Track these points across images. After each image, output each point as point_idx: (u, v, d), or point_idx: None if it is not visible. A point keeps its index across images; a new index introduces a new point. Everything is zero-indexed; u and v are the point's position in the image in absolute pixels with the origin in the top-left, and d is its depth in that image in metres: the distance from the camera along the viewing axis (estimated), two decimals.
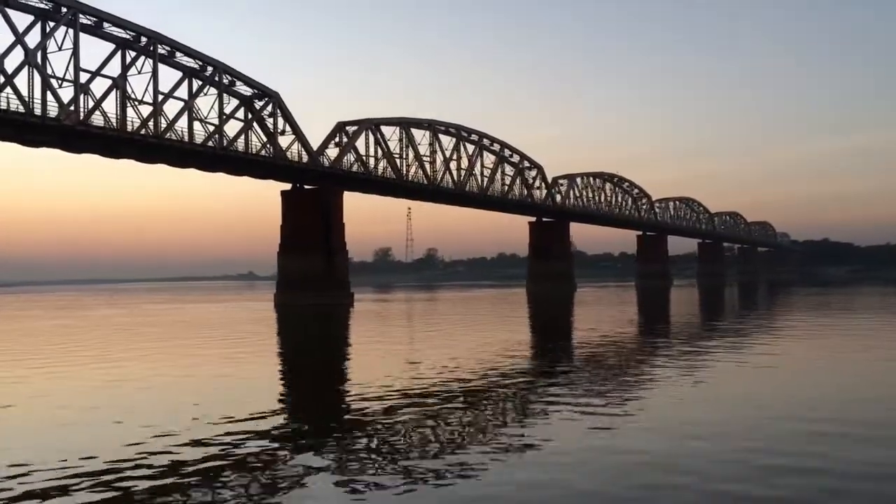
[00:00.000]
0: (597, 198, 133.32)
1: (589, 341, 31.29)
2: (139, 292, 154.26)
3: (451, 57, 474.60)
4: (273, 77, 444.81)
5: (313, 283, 71.84)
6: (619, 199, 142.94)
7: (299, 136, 72.50)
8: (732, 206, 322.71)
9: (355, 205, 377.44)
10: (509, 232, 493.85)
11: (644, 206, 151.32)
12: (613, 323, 42.92)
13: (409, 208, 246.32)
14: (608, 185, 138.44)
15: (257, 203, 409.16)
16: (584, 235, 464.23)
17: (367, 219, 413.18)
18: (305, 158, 73.06)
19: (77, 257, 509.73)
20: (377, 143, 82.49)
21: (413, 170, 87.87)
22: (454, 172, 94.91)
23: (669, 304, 70.83)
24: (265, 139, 70.67)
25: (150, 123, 60.44)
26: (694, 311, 57.06)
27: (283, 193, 76.08)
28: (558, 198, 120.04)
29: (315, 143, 75.58)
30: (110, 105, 58.60)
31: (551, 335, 37.86)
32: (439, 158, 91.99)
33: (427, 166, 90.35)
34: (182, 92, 63.80)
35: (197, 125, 65.01)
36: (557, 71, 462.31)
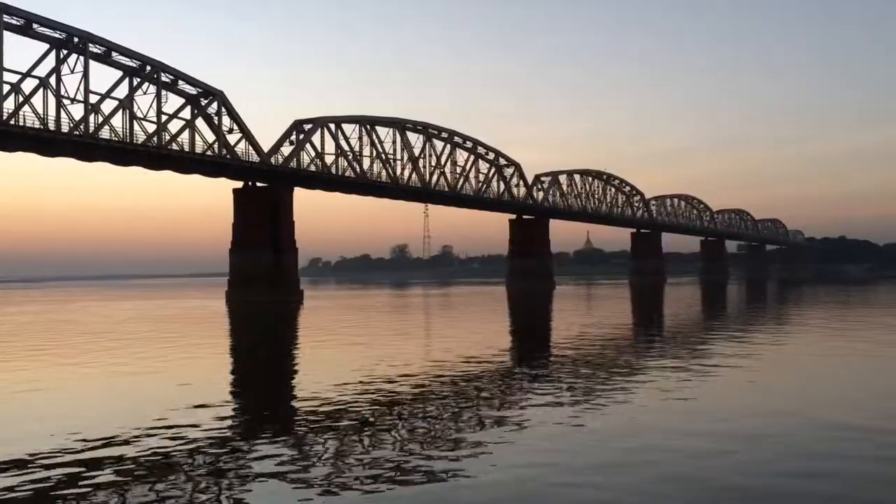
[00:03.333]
0: (584, 195, 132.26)
1: (525, 340, 31.12)
2: (130, 288, 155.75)
3: (453, 59, 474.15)
4: (234, 75, 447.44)
5: (262, 280, 72.31)
6: (610, 196, 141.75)
7: (246, 134, 72.84)
8: (747, 203, 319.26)
9: (370, 204, 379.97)
10: None
11: (637, 204, 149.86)
12: (561, 323, 42.23)
13: (427, 206, 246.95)
14: (598, 183, 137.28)
15: None
16: (601, 233, 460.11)
17: (386, 217, 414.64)
18: (254, 156, 73.41)
19: (106, 255, 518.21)
20: (335, 140, 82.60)
21: (377, 167, 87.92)
22: (423, 170, 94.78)
23: (636, 302, 69.94)
24: (213, 137, 71.12)
25: (90, 121, 61.29)
26: (659, 309, 56.23)
27: (235, 191, 76.50)
28: (540, 195, 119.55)
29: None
30: (49, 106, 59.59)
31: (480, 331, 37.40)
32: (406, 155, 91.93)
33: (396, 164, 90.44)
34: (122, 91, 64.46)
35: (146, 125, 65.88)
36: (557, 72, 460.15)
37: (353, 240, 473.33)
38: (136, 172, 70.49)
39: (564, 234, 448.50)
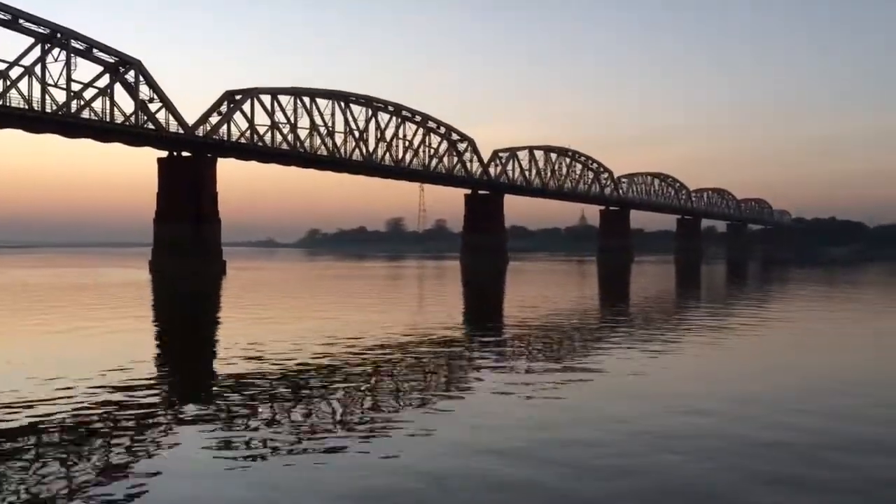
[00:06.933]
0: (547, 171, 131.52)
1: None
2: (54, 255, 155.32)
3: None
4: (169, 47, 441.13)
5: (184, 250, 72.61)
6: (576, 174, 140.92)
7: (167, 103, 72.65)
8: (735, 184, 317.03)
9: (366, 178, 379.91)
10: (520, 206, 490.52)
11: (606, 181, 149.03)
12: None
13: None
14: (562, 160, 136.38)
15: (281, 175, 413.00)
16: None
17: (385, 191, 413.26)
18: (175, 126, 73.35)
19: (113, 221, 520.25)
20: (269, 111, 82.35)
21: (317, 140, 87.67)
22: (368, 143, 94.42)
23: (576, 278, 69.94)
24: (134, 107, 71.05)
25: None
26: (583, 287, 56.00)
27: (159, 161, 76.44)
28: (498, 171, 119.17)
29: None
30: None
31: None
32: (347, 128, 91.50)
33: (337, 136, 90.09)
34: (31, 59, 64.30)
35: (58, 93, 65.90)
36: (529, 51, 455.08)
37: (350, 213, 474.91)
38: (55, 139, 70.39)
39: (559, 211, 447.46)
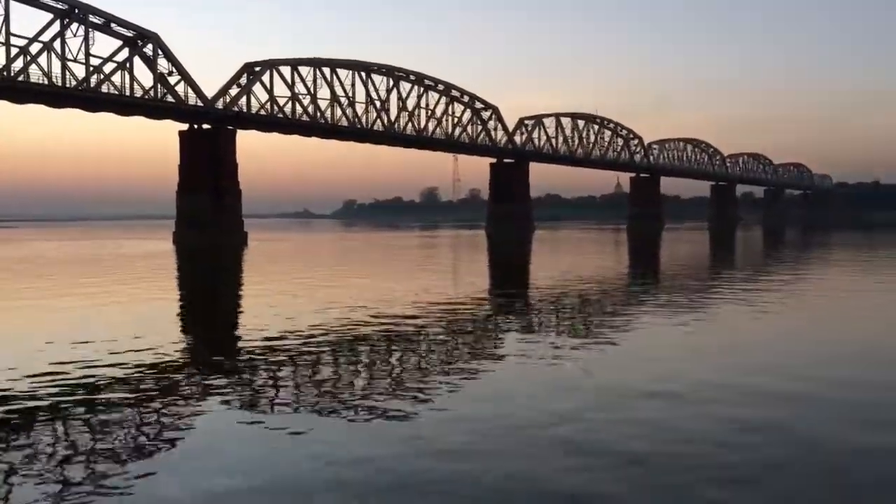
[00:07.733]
0: (574, 139, 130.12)
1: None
2: (84, 229, 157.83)
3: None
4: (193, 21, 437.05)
5: (205, 222, 73.61)
6: (605, 140, 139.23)
7: (185, 76, 73.31)
8: (769, 149, 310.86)
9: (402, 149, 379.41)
10: (554, 175, 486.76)
11: (636, 148, 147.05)
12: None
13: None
14: (589, 126, 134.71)
15: (317, 147, 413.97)
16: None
17: (420, 161, 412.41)
18: (194, 99, 74.06)
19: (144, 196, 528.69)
20: (289, 82, 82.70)
21: (337, 111, 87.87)
22: (390, 113, 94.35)
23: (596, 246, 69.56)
24: (152, 79, 71.88)
25: (14, 64, 62.60)
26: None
27: (181, 133, 77.30)
28: (523, 139, 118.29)
29: None
30: None
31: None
32: (368, 98, 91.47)
33: (358, 107, 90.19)
34: (49, 34, 65.28)
35: (77, 67, 66.97)
36: (554, 18, 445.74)
37: (386, 183, 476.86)
38: (76, 114, 71.61)
39: (594, 179, 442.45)
